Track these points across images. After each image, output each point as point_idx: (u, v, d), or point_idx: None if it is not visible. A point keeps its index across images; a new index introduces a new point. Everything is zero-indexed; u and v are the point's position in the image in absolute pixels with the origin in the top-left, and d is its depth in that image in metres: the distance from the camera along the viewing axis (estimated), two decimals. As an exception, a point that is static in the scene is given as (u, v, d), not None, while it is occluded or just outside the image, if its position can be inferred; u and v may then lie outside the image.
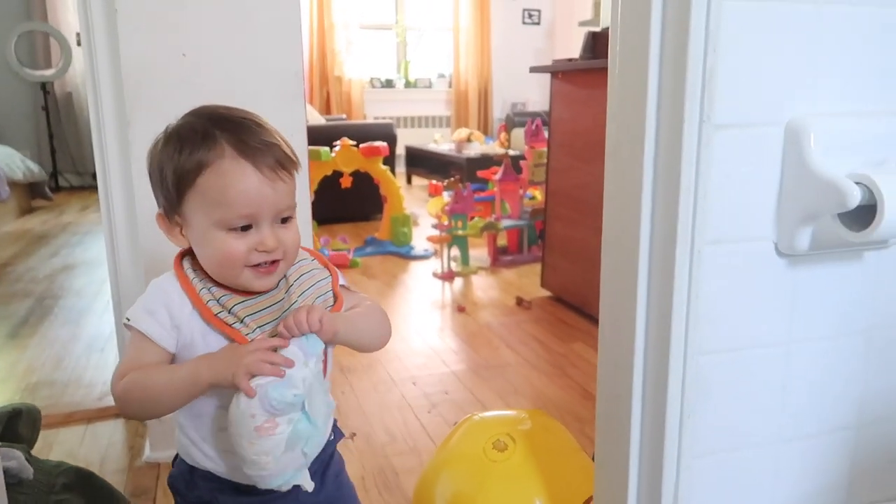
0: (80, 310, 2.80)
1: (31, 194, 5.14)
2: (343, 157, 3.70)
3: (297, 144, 1.03)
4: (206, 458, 0.81)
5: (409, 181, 6.19)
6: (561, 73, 2.72)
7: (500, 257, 3.51)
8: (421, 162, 5.89)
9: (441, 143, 5.88)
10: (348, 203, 4.15)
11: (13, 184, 4.68)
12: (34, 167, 5.04)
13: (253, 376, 0.70)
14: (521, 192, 3.65)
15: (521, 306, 2.81)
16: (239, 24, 1.50)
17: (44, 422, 1.36)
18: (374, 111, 6.57)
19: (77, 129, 5.95)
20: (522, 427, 1.12)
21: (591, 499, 0.94)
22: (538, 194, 3.67)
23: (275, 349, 0.73)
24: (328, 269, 0.86)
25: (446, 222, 3.29)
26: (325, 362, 0.79)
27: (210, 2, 1.48)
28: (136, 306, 0.78)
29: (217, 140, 0.74)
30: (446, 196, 3.61)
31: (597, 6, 6.04)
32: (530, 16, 7.02)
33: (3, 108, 5.68)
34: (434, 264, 3.46)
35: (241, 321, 0.77)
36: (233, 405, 0.72)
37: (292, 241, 0.78)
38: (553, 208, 2.87)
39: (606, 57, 0.78)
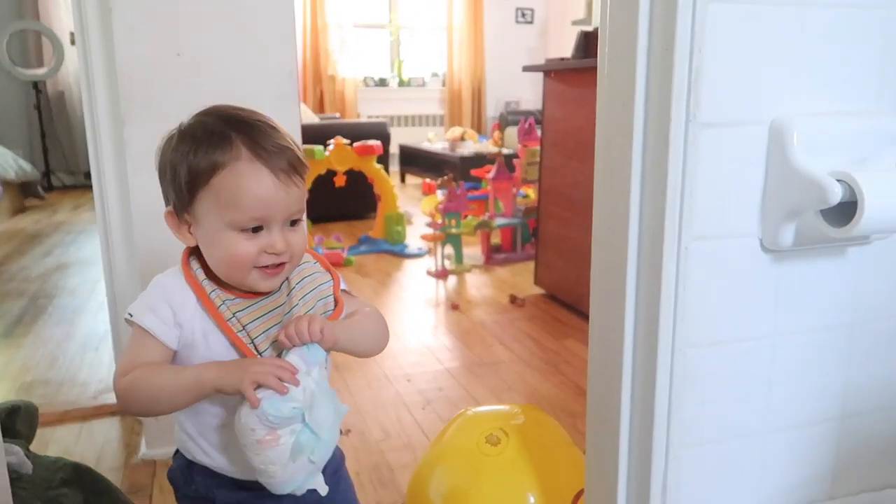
0: (75, 309, 2.80)
1: (24, 193, 5.12)
2: (337, 155, 3.71)
3: (292, 143, 1.04)
4: (204, 454, 0.82)
5: (402, 180, 6.20)
6: (553, 72, 2.74)
7: (494, 255, 3.53)
8: (415, 161, 5.90)
9: (435, 141, 5.90)
10: (342, 202, 4.16)
11: (6, 183, 4.67)
12: (27, 166, 5.02)
13: (258, 387, 0.71)
14: (514, 190, 3.67)
15: (514, 304, 2.83)
16: (233, 23, 1.51)
17: (39, 420, 1.36)
18: (367, 110, 6.58)
19: (69, 128, 5.93)
20: (515, 421, 1.13)
21: (582, 491, 0.96)
22: (531, 193, 3.69)
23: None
24: (330, 272, 0.87)
25: (440, 221, 3.31)
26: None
27: (204, 1, 1.49)
28: (138, 302, 0.78)
29: (233, 141, 0.74)
30: (440, 194, 3.63)
31: (589, 5, 6.06)
32: (523, 15, 7.04)
33: (-5, 108, 5.66)
34: (428, 262, 3.47)
35: (244, 328, 0.77)
36: (236, 418, 0.73)
37: (299, 244, 0.79)
38: (546, 207, 2.89)
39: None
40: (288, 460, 0.73)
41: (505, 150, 4.69)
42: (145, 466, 1.60)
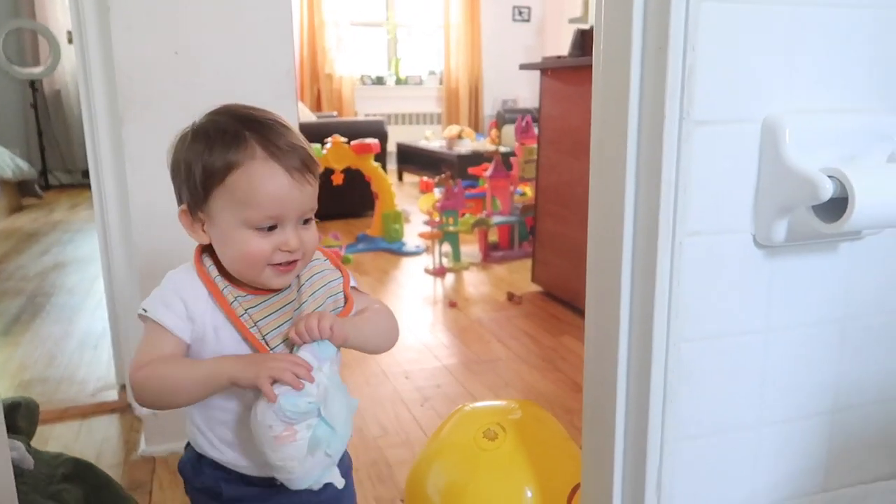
0: (73, 307, 2.81)
1: (21, 192, 5.12)
2: (334, 154, 3.72)
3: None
4: (213, 448, 0.83)
5: (400, 178, 6.21)
6: (550, 70, 2.74)
7: (491, 253, 3.54)
8: (412, 159, 5.91)
9: (432, 139, 5.90)
10: (340, 200, 4.17)
11: (3, 182, 4.67)
12: (24, 165, 5.02)
13: (274, 382, 0.72)
14: (511, 188, 3.68)
15: (511, 301, 2.84)
16: (231, 22, 1.52)
17: (39, 418, 1.37)
18: (364, 108, 6.58)
19: (66, 126, 5.92)
20: (512, 416, 1.14)
21: (579, 485, 0.97)
22: (528, 191, 3.70)
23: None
24: (340, 269, 0.88)
25: (437, 219, 3.32)
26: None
27: (202, 0, 1.50)
28: (151, 297, 0.79)
29: (247, 140, 0.75)
30: (437, 193, 3.63)
31: (585, 3, 6.06)
32: (520, 13, 7.04)
33: (-8, 106, 5.65)
34: (425, 260, 3.48)
35: (255, 324, 0.78)
36: (252, 415, 0.74)
37: (312, 241, 0.80)
38: (543, 204, 2.90)
39: (591, 55, 0.81)
40: (305, 455, 0.74)
41: (502, 149, 4.70)
42: (145, 463, 1.60)
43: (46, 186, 5.71)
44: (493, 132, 5.38)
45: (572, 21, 5.94)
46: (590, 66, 0.82)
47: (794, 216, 0.74)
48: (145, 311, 0.78)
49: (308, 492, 0.80)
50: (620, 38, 0.73)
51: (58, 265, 3.48)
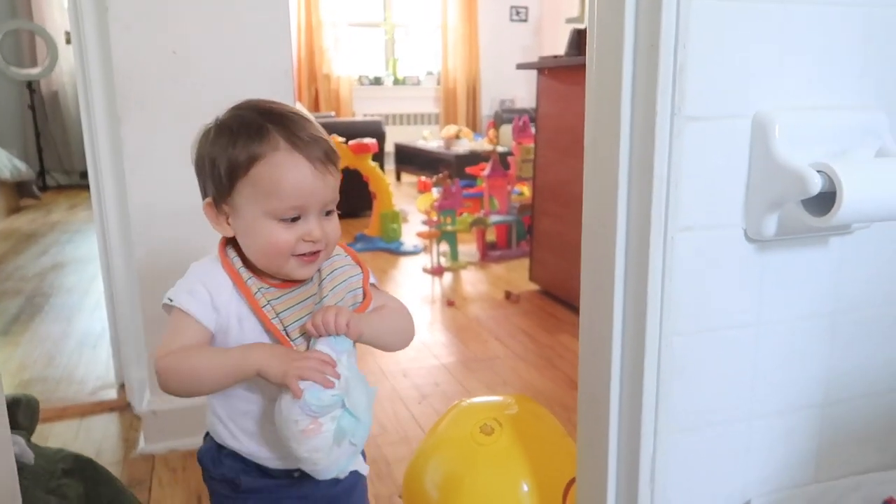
0: (71, 307, 2.81)
1: (19, 193, 5.12)
2: (332, 154, 3.72)
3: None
4: (233, 439, 0.84)
5: (398, 178, 6.22)
6: (547, 69, 2.76)
7: (489, 252, 3.55)
8: (410, 159, 5.92)
9: (430, 139, 5.91)
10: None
11: (1, 183, 4.67)
12: (21, 166, 5.02)
13: (300, 380, 0.74)
14: (509, 187, 3.69)
15: (509, 300, 2.85)
16: (229, 22, 1.53)
17: (39, 415, 1.38)
18: (362, 108, 6.59)
19: (64, 127, 5.93)
20: (509, 412, 1.15)
21: (574, 480, 0.98)
22: (526, 190, 3.71)
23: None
24: (360, 266, 0.89)
25: (435, 218, 3.33)
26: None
27: (200, 0, 1.50)
28: (176, 288, 0.80)
29: (270, 133, 0.77)
30: (435, 192, 3.64)
31: (583, 3, 6.08)
32: (518, 13, 7.06)
33: (-10, 107, 5.66)
34: (423, 260, 3.49)
35: (278, 315, 0.80)
36: (276, 410, 0.76)
37: (334, 232, 0.82)
38: (540, 203, 2.91)
39: (586, 53, 0.82)
40: (332, 446, 0.75)
41: (500, 148, 4.72)
42: (144, 461, 1.61)
43: (44, 187, 5.71)
44: (491, 132, 5.39)
45: (569, 21, 5.97)
46: (586, 66, 0.83)
47: (785, 211, 0.75)
48: (171, 300, 0.79)
49: (325, 483, 0.82)
50: (613, 35, 0.74)
51: (56, 265, 3.48)
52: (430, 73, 7.04)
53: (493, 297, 2.92)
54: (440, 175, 3.55)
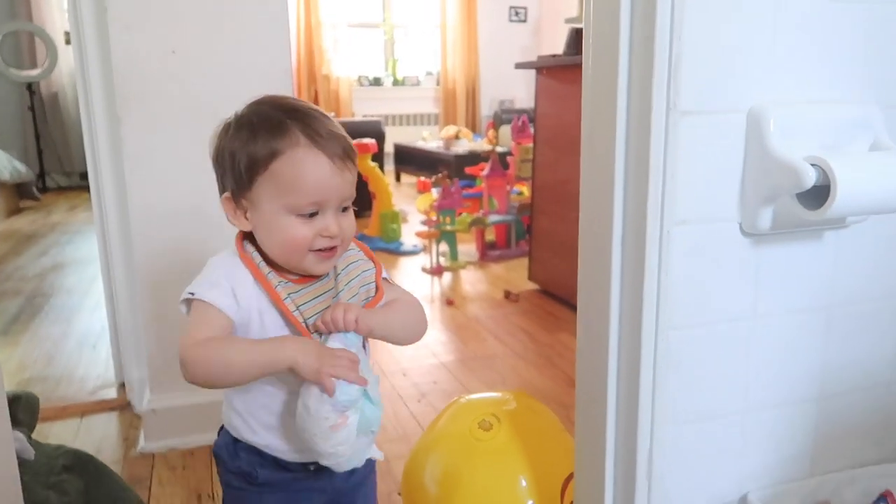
0: (71, 307, 2.82)
1: (19, 195, 5.13)
2: (332, 154, 3.72)
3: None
4: (251, 432, 0.84)
5: (397, 179, 6.22)
6: (546, 68, 2.76)
7: (489, 252, 3.56)
8: (409, 159, 5.92)
9: (429, 140, 5.92)
10: (337, 200, 4.17)
11: (0, 184, 4.68)
12: (21, 167, 5.02)
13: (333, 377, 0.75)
14: (508, 187, 3.70)
15: (508, 299, 2.86)
16: (228, 21, 1.53)
17: (38, 416, 1.38)
18: (362, 109, 6.59)
19: (64, 129, 5.93)
20: (507, 407, 1.16)
21: (572, 475, 0.98)
22: (525, 190, 3.72)
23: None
24: (373, 260, 0.90)
25: (435, 218, 3.33)
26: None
27: (199, 0, 1.51)
28: (197, 282, 0.80)
29: (290, 128, 0.78)
30: (434, 192, 3.65)
31: (582, 3, 6.08)
32: (517, 13, 7.06)
33: (-10, 109, 5.66)
34: (423, 260, 3.50)
35: (298, 308, 0.81)
36: (302, 410, 0.76)
37: (350, 228, 0.83)
38: (539, 203, 2.92)
39: (585, 51, 0.82)
40: (356, 438, 0.77)
41: (499, 149, 4.71)
42: (144, 460, 1.62)
43: (44, 189, 5.71)
44: (490, 132, 5.39)
45: (568, 21, 5.96)
46: (584, 64, 0.84)
47: (779, 205, 0.75)
48: (192, 294, 0.79)
49: (340, 475, 0.84)
50: (608, 28, 0.74)
51: (56, 266, 3.49)
52: (429, 74, 7.04)
53: (492, 297, 2.92)
54: (439, 175, 3.55)
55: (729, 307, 0.80)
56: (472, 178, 4.31)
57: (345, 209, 0.82)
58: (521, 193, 3.79)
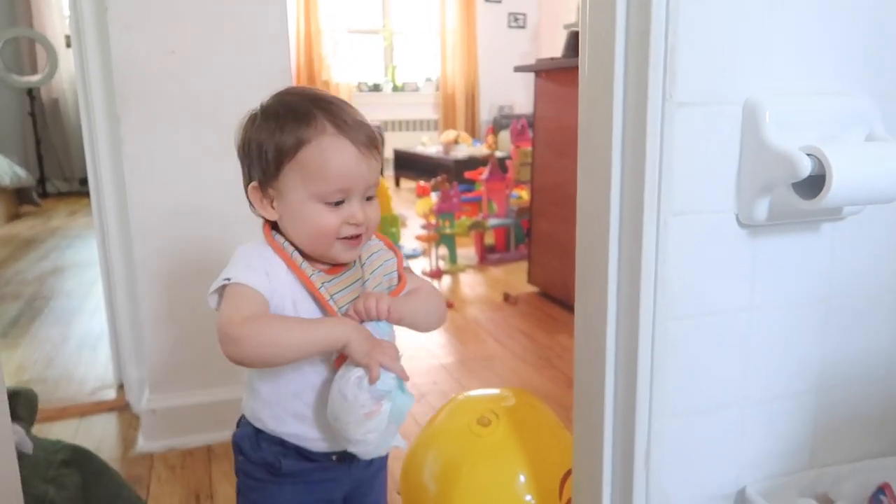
0: (71, 310, 2.82)
1: (19, 200, 5.13)
2: (331, 158, 3.73)
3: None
4: (277, 422, 0.84)
5: (397, 184, 6.23)
6: (544, 72, 2.78)
7: (488, 255, 3.56)
8: (409, 165, 5.93)
9: (428, 145, 5.93)
10: (337, 204, 4.17)
11: (1, 189, 4.68)
12: (22, 173, 5.03)
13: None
14: (507, 191, 3.70)
15: (508, 302, 2.86)
16: (227, 21, 1.54)
17: (37, 416, 1.38)
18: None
19: (64, 134, 5.94)
20: (506, 403, 1.16)
21: (570, 471, 0.98)
22: (524, 194, 3.73)
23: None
24: (393, 250, 0.92)
25: (434, 221, 3.34)
26: None
27: (198, 0, 1.52)
28: (230, 268, 0.80)
29: (317, 117, 0.79)
30: (434, 197, 3.65)
31: (580, 9, 6.10)
32: (516, 19, 7.09)
33: (-10, 115, 5.68)
34: (423, 263, 3.50)
35: (331, 297, 0.82)
36: (338, 396, 0.77)
37: (375, 216, 0.84)
38: (538, 205, 2.92)
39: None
40: (387, 425, 0.78)
41: (498, 154, 4.73)
42: (142, 459, 1.61)
43: (44, 194, 5.72)
44: (490, 138, 5.41)
45: (567, 27, 5.99)
46: (583, 66, 0.84)
47: (776, 195, 0.75)
48: (229, 279, 0.78)
49: (359, 466, 0.86)
50: (605, 20, 0.75)
51: (56, 270, 3.49)
52: (428, 80, 7.06)
53: (491, 299, 2.92)
54: (438, 178, 3.56)
55: (726, 298, 0.80)
56: (472, 182, 4.32)
57: (369, 198, 0.83)
58: (520, 197, 3.80)
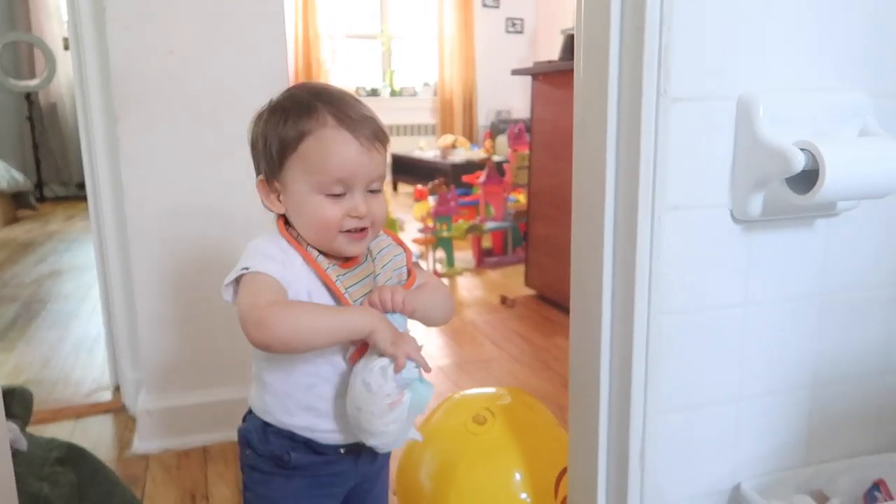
0: (68, 313, 2.81)
1: (16, 204, 5.12)
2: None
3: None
4: (287, 414, 0.84)
5: (394, 188, 6.23)
6: (541, 75, 2.78)
7: (485, 259, 3.56)
8: (407, 169, 5.93)
9: (426, 150, 5.94)
10: (335, 208, 4.17)
11: (-2, 193, 4.68)
12: (19, 177, 5.03)
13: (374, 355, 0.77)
14: (504, 195, 3.71)
15: (505, 304, 2.86)
16: (226, 21, 1.55)
17: (33, 418, 1.38)
18: (359, 119, 6.60)
19: (62, 139, 5.94)
20: (502, 402, 1.16)
21: (566, 469, 0.98)
22: (521, 197, 3.73)
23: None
24: (402, 246, 0.93)
25: (431, 224, 3.34)
26: None
27: (197, 0, 1.52)
28: (248, 258, 0.80)
29: (319, 110, 0.80)
30: (431, 200, 3.66)
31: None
32: (514, 24, 7.11)
33: (-12, 119, 5.67)
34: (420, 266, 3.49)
35: (346, 290, 0.82)
36: (361, 387, 0.77)
37: (380, 210, 0.84)
38: (535, 208, 2.93)
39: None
40: (407, 415, 0.78)
41: (496, 158, 4.74)
42: (138, 460, 1.61)
43: (41, 198, 5.71)
44: (487, 142, 5.42)
45: (564, 32, 6.00)
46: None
47: (770, 190, 0.76)
48: (247, 268, 0.78)
49: (365, 460, 0.87)
50: (599, 18, 0.75)
51: (53, 273, 3.48)
52: (426, 85, 7.07)
53: (488, 302, 2.92)
54: (435, 182, 3.56)
55: (721, 294, 0.81)
56: (469, 186, 4.32)
57: (375, 191, 0.83)
58: (517, 201, 3.80)
